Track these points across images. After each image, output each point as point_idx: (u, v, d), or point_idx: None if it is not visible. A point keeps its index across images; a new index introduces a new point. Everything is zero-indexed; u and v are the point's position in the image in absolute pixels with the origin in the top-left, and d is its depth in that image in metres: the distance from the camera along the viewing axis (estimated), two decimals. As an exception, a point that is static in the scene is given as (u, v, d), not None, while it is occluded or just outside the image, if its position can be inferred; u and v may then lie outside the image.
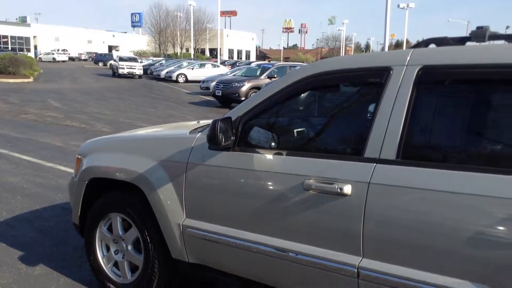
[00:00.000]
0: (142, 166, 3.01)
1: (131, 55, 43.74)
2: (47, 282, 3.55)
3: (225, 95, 17.81)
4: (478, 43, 2.30)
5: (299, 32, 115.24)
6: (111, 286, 3.32)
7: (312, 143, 2.78)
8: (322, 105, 3.06)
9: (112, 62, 40.17)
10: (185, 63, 34.99)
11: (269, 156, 2.56)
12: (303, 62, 35.16)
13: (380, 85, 2.29)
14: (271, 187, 2.52)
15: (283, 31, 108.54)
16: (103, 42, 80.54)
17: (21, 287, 3.45)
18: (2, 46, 59.14)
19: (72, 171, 6.75)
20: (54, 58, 57.39)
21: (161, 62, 41.28)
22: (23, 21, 72.56)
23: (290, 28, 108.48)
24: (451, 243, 1.97)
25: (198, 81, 26.15)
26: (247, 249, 2.61)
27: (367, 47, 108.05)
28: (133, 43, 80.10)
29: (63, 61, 57.46)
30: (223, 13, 75.66)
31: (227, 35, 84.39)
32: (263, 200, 2.54)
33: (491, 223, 1.89)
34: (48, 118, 13.16)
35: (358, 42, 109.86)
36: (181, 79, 31.56)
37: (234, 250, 2.68)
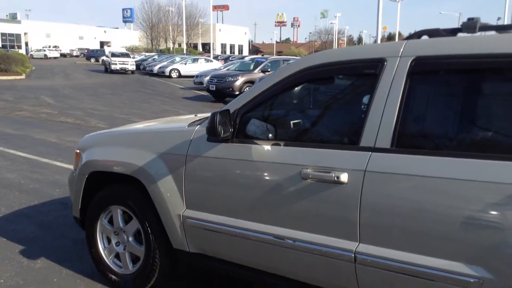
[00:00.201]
0: (142, 159, 3.06)
1: (124, 50, 43.51)
2: (49, 274, 3.61)
3: (219, 89, 17.83)
4: (469, 34, 2.38)
5: (292, 26, 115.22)
6: (113, 277, 3.38)
7: (309, 133, 2.85)
8: (318, 96, 3.13)
9: (104, 58, 40.08)
10: (178, 58, 34.95)
11: (267, 147, 2.62)
12: (296, 56, 35.19)
13: (375, 76, 2.35)
14: (269, 177, 2.59)
15: (275, 25, 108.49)
16: (95, 38, 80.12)
17: (24, 280, 3.50)
18: (-8, 43, 58.70)
19: (68, 167, 6.83)
20: (45, 55, 57.04)
21: (153, 57, 41.21)
22: (13, 17, 71.91)
23: (283, 22, 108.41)
24: (445, 227, 2.05)
25: (192, 76, 26.15)
26: (247, 237, 2.68)
27: (360, 40, 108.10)
28: (125, 39, 79.74)
29: (55, 58, 57.15)
30: (215, 8, 75.37)
31: (220, 30, 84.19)
32: (261, 190, 2.60)
33: (482, 207, 1.97)
34: (43, 115, 13.15)
35: (350, 35, 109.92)
36: (174, 74, 31.53)
37: (234, 239, 2.74)
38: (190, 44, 71.94)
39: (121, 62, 33.61)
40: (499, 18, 50.71)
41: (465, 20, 2.44)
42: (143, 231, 3.17)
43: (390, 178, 2.18)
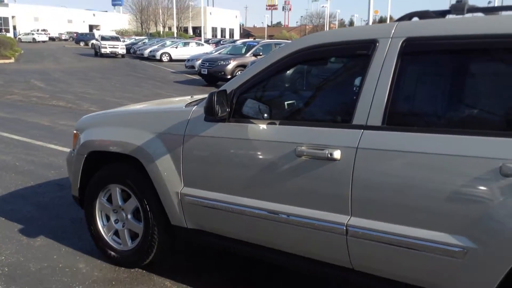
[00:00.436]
0: (140, 139, 3.14)
1: (113, 34, 43.08)
2: (49, 251, 3.70)
3: (211, 73, 17.80)
4: (457, 16, 2.47)
5: (283, 10, 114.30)
6: (112, 253, 3.48)
7: (304, 113, 2.94)
8: (312, 77, 3.21)
9: (94, 41, 39.71)
10: (168, 42, 34.68)
11: (263, 126, 2.71)
12: (287, 40, 35.09)
13: (367, 56, 2.44)
14: (265, 155, 2.68)
15: (266, 9, 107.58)
16: (84, 21, 79.11)
17: (25, 257, 3.59)
18: (-21, 27, 57.77)
19: (62, 149, 6.89)
20: (34, 39, 56.30)
21: (143, 41, 40.83)
22: (0, 1, 70.69)
23: (274, 5, 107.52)
24: (432, 200, 2.16)
25: (183, 60, 26.02)
26: (243, 213, 2.78)
27: (351, 23, 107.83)
28: (114, 22, 78.83)
29: (44, 41, 56.43)
30: (206, -10, 74.52)
31: (210, 13, 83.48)
32: (257, 167, 2.70)
33: (467, 181, 2.07)
34: (34, 98, 13.11)
35: (342, 19, 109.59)
36: (165, 58, 31.35)
37: (230, 214, 2.85)
38: (180, 27, 71.30)
39: (111, 46, 33.32)
40: (489, 2, 50.84)
41: (453, 2, 2.53)
42: (141, 209, 3.26)
43: (381, 154, 2.29)
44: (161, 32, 66.37)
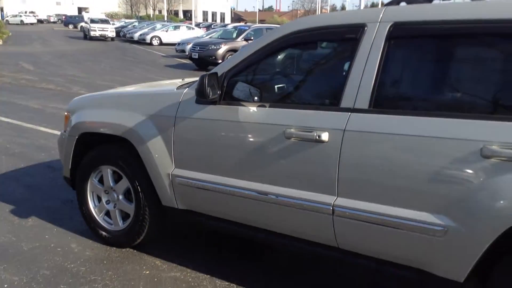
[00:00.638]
0: (132, 120, 3.18)
1: (103, 17, 42.55)
2: (40, 232, 3.75)
3: (201, 57, 17.71)
4: (443, 1, 2.52)
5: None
6: (104, 233, 3.54)
7: (293, 96, 3.00)
8: (302, 61, 3.26)
9: (83, 24, 39.25)
10: (158, 25, 34.37)
11: (253, 108, 2.76)
12: (279, 24, 34.92)
13: (355, 40, 2.49)
14: (254, 137, 2.74)
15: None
16: (72, 3, 77.94)
17: (17, 237, 3.64)
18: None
19: (53, 132, 6.89)
20: (22, 21, 55.43)
21: (133, 24, 40.44)
22: (-14, -19, 69.37)
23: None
24: (415, 181, 2.24)
25: (173, 44, 25.85)
26: (232, 193, 2.84)
27: (343, 8, 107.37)
28: (103, 5, 77.71)
29: (32, 24, 55.58)
30: (197, -27, 73.62)
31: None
32: (247, 149, 2.76)
33: (449, 163, 2.15)
34: (23, 81, 12.99)
35: (333, 4, 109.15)
36: (155, 42, 31.09)
37: (221, 195, 2.91)
38: (171, 11, 70.59)
39: (101, 29, 32.92)
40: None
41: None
42: (133, 190, 3.31)
43: (367, 136, 2.35)
44: (151, 15, 65.75)
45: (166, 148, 3.07)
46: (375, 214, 2.35)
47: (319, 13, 79.89)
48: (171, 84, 3.68)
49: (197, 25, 41.42)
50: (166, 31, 32.21)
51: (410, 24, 2.38)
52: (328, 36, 2.76)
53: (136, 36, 32.20)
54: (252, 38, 17.82)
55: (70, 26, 51.61)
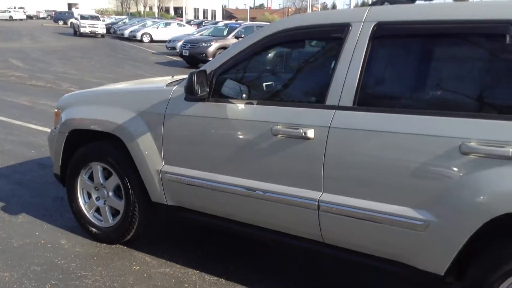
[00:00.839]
0: (122, 117, 3.21)
1: (93, 13, 42.24)
2: (31, 228, 3.77)
3: (192, 55, 17.69)
4: (426, 2, 2.59)
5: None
6: (94, 229, 3.57)
7: (280, 93, 3.05)
8: (289, 59, 3.32)
9: (73, 20, 38.87)
10: (149, 22, 34.21)
11: (241, 105, 2.81)
12: (269, 22, 34.94)
13: (340, 39, 2.55)
14: (242, 134, 2.79)
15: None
16: (62, -1, 77.21)
17: (7, 233, 3.66)
18: (-47, 3, 56.03)
19: (43, 129, 6.89)
20: (11, 16, 54.79)
21: (124, 20, 40.16)
22: (-26, -24, 68.45)
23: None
24: (397, 177, 2.31)
25: (164, 41, 25.77)
26: (221, 189, 2.89)
27: (334, 7, 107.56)
28: (93, 1, 76.93)
29: (21, 20, 54.97)
30: (188, -30, 73.28)
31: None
32: (235, 145, 2.81)
33: (429, 159, 2.22)
34: (12, 78, 12.94)
35: (324, 2, 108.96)
36: (146, 39, 30.96)
37: (209, 191, 2.96)
38: (161, 7, 70.17)
39: (91, 25, 32.73)
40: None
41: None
42: (122, 186, 3.35)
43: (351, 133, 2.42)
44: (142, 12, 65.37)
45: (155, 145, 3.11)
46: (359, 209, 2.42)
47: (310, 11, 79.93)
48: (161, 81, 3.72)
49: (188, 22, 41.37)
50: (157, 28, 32.08)
51: (393, 24, 2.45)
52: (313, 35, 2.82)
53: (127, 33, 32.05)
54: (242, 35, 17.83)
55: (60, 22, 51.16)
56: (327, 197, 2.51)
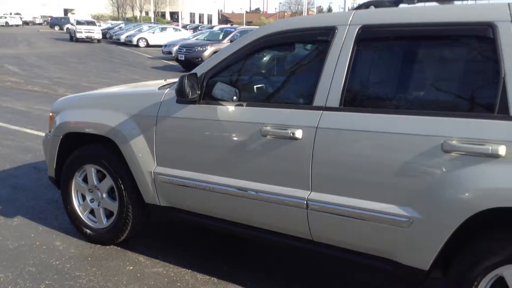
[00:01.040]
0: (115, 120, 3.27)
1: (89, 18, 42.33)
2: (26, 230, 3.82)
3: (188, 59, 17.78)
4: (408, 5, 2.67)
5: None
6: (88, 231, 3.62)
7: (269, 95, 3.12)
8: (277, 62, 3.39)
9: (69, 26, 38.98)
10: (145, 27, 34.32)
11: (231, 107, 2.88)
12: (265, 26, 34.98)
13: (327, 42, 2.62)
14: (233, 135, 2.85)
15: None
16: (58, 5, 77.23)
17: (2, 235, 3.70)
18: (-51, 9, 56.00)
19: (38, 133, 6.93)
20: (7, 22, 54.77)
21: (120, 26, 40.26)
22: (-30, -18, 68.48)
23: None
24: (382, 175, 2.37)
25: (160, 46, 25.86)
26: (213, 190, 2.95)
27: (329, 10, 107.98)
28: (90, 6, 77.21)
29: (17, 25, 54.99)
30: (184, -25, 73.48)
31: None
32: (226, 146, 2.87)
33: (413, 158, 2.28)
34: (8, 83, 12.98)
35: (320, 6, 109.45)
36: (142, 44, 31.05)
37: (201, 192, 3.01)
38: (157, 12, 70.37)
39: (87, 31, 32.81)
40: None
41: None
42: (116, 188, 3.40)
43: (338, 133, 2.48)
44: (138, 17, 65.50)
45: (148, 147, 3.17)
46: (346, 207, 2.48)
47: (306, 14, 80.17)
48: (154, 84, 3.78)
49: (184, 26, 41.42)
50: (153, 33, 32.19)
51: (378, 27, 2.52)
52: (301, 38, 2.89)
53: (123, 38, 32.14)
54: (238, 39, 17.90)
55: (56, 28, 51.21)
56: (315, 195, 2.57)
